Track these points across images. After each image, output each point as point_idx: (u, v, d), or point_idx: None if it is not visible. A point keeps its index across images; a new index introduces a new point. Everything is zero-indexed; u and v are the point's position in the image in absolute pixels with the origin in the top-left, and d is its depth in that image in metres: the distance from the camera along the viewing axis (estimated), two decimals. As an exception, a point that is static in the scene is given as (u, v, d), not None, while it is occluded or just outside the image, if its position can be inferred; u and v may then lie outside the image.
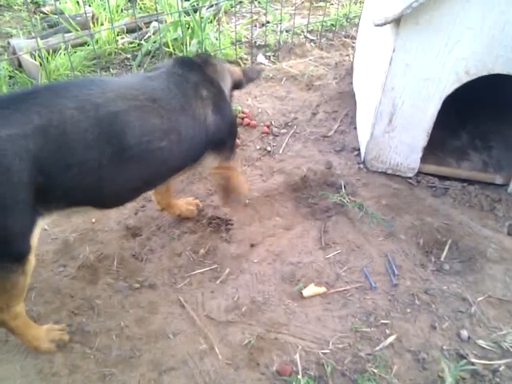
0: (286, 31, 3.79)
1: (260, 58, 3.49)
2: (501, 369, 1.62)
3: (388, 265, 1.99)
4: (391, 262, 1.99)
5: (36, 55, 3.06)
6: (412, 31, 2.01)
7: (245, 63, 3.41)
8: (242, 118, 2.83)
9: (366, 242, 2.09)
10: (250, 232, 2.13)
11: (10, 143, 1.25)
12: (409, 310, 1.82)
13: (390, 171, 2.45)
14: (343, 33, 3.87)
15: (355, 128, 2.77)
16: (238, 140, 2.66)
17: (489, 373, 1.61)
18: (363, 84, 2.76)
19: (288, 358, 1.66)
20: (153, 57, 3.38)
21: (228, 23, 3.85)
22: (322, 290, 1.88)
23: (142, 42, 3.44)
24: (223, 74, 1.91)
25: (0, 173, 1.24)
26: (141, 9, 4.04)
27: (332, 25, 3.91)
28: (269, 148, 2.65)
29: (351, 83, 3.17)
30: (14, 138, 1.26)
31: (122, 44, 3.48)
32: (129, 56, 3.43)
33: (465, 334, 1.73)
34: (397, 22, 1.99)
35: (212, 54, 3.27)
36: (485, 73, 2.07)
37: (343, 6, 4.14)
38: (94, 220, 2.16)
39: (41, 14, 3.93)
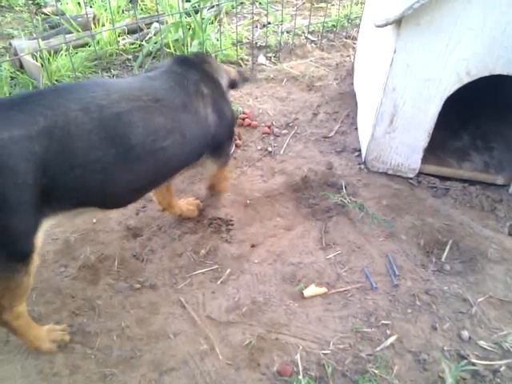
0: (287, 32, 3.79)
1: (261, 58, 3.50)
2: (501, 369, 1.62)
3: (389, 265, 1.99)
4: (392, 263, 1.99)
5: (37, 56, 3.06)
6: (413, 32, 2.01)
7: (246, 64, 3.41)
8: (243, 119, 2.83)
9: (366, 242, 2.09)
10: (251, 232, 2.14)
11: (16, 145, 1.25)
12: (409, 311, 1.82)
13: (390, 172, 2.45)
14: (344, 34, 3.87)
15: (356, 129, 2.77)
16: (239, 141, 2.67)
17: (489, 373, 1.61)
18: (364, 85, 2.76)
19: (289, 359, 1.66)
20: (154, 58, 3.39)
21: (229, 24, 3.86)
22: (323, 290, 1.88)
23: (143, 42, 3.45)
24: (220, 72, 1.94)
25: (5, 174, 1.25)
26: (142, 10, 4.05)
27: (333, 26, 3.92)
28: (270, 148, 2.65)
29: (352, 84, 3.17)
30: (20, 140, 1.26)
31: (123, 45, 3.49)
32: (130, 57, 3.44)
33: (465, 334, 1.72)
34: (398, 22, 1.99)
35: (213, 54, 3.28)
36: (486, 73, 2.07)
37: (344, 6, 4.14)
38: (94, 220, 2.17)
39: (42, 15, 3.94)
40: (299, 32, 3.83)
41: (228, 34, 3.60)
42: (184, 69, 1.75)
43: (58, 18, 3.65)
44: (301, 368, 1.62)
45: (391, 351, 1.68)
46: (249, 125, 2.81)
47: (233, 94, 3.04)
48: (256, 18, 4.01)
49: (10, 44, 3.21)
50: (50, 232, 2.09)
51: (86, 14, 3.21)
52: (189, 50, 3.26)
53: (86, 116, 1.39)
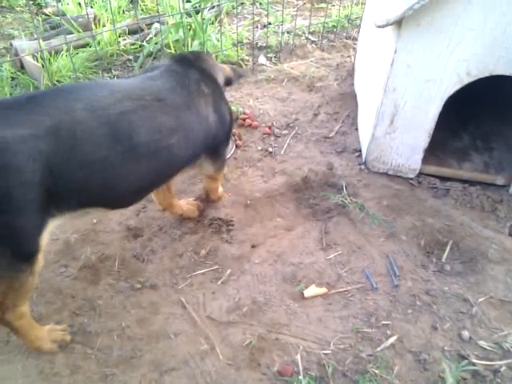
0: (288, 32, 3.79)
1: (261, 59, 3.50)
2: (502, 369, 1.62)
3: (389, 265, 1.99)
4: (392, 263, 1.99)
5: (38, 57, 3.07)
6: (413, 32, 2.01)
7: (246, 64, 3.42)
8: (244, 119, 2.83)
9: (367, 242, 2.09)
10: (251, 233, 2.14)
11: (22, 144, 1.26)
12: (410, 311, 1.82)
13: (391, 172, 2.46)
14: (344, 34, 3.88)
15: (356, 129, 2.78)
16: (240, 141, 2.67)
17: (490, 373, 1.61)
18: (365, 85, 2.76)
19: (289, 359, 1.66)
20: (154, 58, 3.39)
21: (229, 24, 3.86)
22: (323, 290, 1.88)
23: (144, 43, 3.46)
24: (217, 69, 1.95)
25: (11, 173, 1.25)
26: (142, 10, 4.05)
27: (333, 26, 3.92)
28: (270, 149, 2.65)
29: (352, 84, 3.17)
30: (26, 139, 1.27)
31: (124, 45, 3.49)
32: (131, 57, 3.44)
33: (466, 334, 1.72)
34: (398, 23, 1.99)
35: (214, 55, 3.28)
36: (486, 74, 2.08)
37: (345, 7, 4.15)
38: (95, 221, 2.17)
39: (43, 16, 3.94)
40: (300, 32, 3.84)
41: (228, 35, 3.61)
42: (184, 68, 1.77)
43: (58, 18, 3.66)
44: (301, 368, 1.63)
45: (392, 351, 1.68)
46: (249, 125, 2.81)
47: (233, 95, 3.05)
48: (256, 18, 4.01)
49: (11, 44, 3.21)
50: (51, 232, 2.09)
51: (87, 15, 3.21)
52: (189, 50, 3.27)
53: (91, 115, 1.40)
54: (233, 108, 2.56)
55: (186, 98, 1.68)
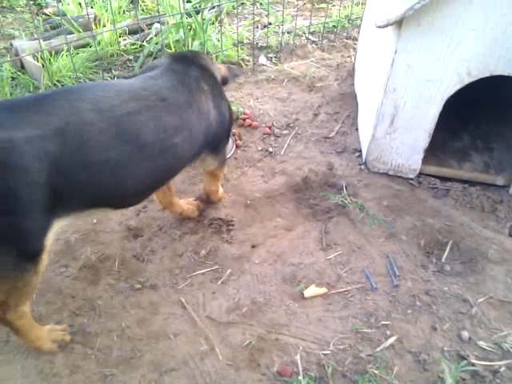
0: (288, 33, 3.79)
1: (262, 59, 3.50)
2: (501, 370, 1.62)
3: (389, 266, 1.99)
4: (392, 263, 1.99)
5: (38, 57, 3.07)
6: (414, 33, 2.01)
7: (247, 64, 3.42)
8: (244, 119, 2.83)
9: (367, 242, 2.09)
10: (251, 233, 2.14)
11: (29, 145, 1.26)
12: (410, 311, 1.82)
13: (391, 172, 2.45)
14: (345, 34, 3.88)
15: (357, 129, 2.78)
16: (240, 141, 2.67)
17: (489, 374, 1.61)
18: (365, 85, 2.76)
19: (289, 359, 1.66)
20: (155, 58, 3.39)
21: (230, 25, 3.86)
22: (323, 290, 1.88)
23: (144, 43, 3.46)
24: (214, 68, 1.97)
25: (18, 173, 1.25)
26: (143, 10, 4.05)
27: (334, 26, 3.92)
28: (270, 149, 2.65)
29: (353, 84, 3.17)
30: (33, 140, 1.27)
31: (124, 45, 3.49)
32: (131, 57, 3.44)
33: (465, 335, 1.72)
34: (399, 23, 1.99)
35: (214, 55, 3.28)
36: (487, 74, 2.07)
37: (345, 7, 4.14)
38: (95, 221, 2.17)
39: (43, 16, 3.94)
40: (300, 32, 3.84)
41: (229, 35, 3.60)
42: (183, 66, 1.78)
43: (59, 18, 3.66)
44: (301, 368, 1.63)
45: (391, 352, 1.68)
46: (249, 125, 2.81)
47: (234, 95, 3.05)
48: (257, 18, 4.01)
49: (11, 44, 3.21)
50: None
51: (87, 15, 3.21)
52: (187, 50, 3.27)
53: (98, 116, 1.41)
54: (233, 108, 2.55)
55: (187, 96, 1.70)
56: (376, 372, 1.61)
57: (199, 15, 3.34)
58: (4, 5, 4.22)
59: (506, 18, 1.92)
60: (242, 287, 1.90)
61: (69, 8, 3.79)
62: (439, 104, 2.18)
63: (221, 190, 2.25)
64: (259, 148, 2.67)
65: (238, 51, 3.41)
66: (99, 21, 3.61)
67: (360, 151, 2.60)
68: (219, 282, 1.92)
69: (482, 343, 1.71)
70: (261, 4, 4.26)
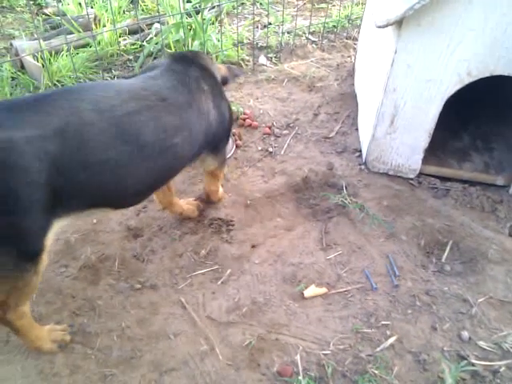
0: (288, 33, 3.79)
1: (262, 59, 3.50)
2: (501, 370, 1.62)
3: (389, 266, 1.99)
4: (392, 263, 1.99)
5: (38, 57, 3.07)
6: (414, 33, 2.01)
7: (247, 65, 3.42)
8: (244, 119, 2.83)
9: (367, 242, 2.09)
10: (251, 233, 2.14)
11: (29, 144, 1.26)
12: (410, 311, 1.82)
13: (391, 172, 2.45)
14: (345, 34, 3.88)
15: (357, 129, 2.78)
16: (240, 141, 2.67)
17: (489, 374, 1.61)
18: (365, 85, 2.76)
19: (289, 359, 1.66)
20: (155, 58, 3.39)
21: (230, 25, 3.86)
22: (323, 290, 1.88)
23: (144, 43, 3.46)
24: (214, 68, 1.97)
25: (18, 173, 1.25)
26: (143, 10, 4.05)
27: (334, 26, 3.92)
28: (270, 149, 2.65)
29: (353, 84, 3.17)
30: (33, 140, 1.27)
31: (124, 45, 3.49)
32: (131, 57, 3.44)
33: (465, 335, 1.72)
34: (399, 23, 1.99)
35: (214, 55, 3.28)
36: (487, 74, 2.07)
37: (345, 7, 4.14)
38: (95, 221, 2.17)
39: (43, 16, 3.94)
40: (300, 32, 3.83)
41: (229, 35, 3.60)
42: (183, 66, 1.78)
43: (59, 18, 3.66)
44: (301, 368, 1.63)
45: (391, 352, 1.68)
46: (249, 125, 2.81)
47: (234, 95, 3.05)
48: (257, 18, 4.01)
49: (11, 44, 3.21)
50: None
51: (87, 15, 3.21)
52: (187, 50, 3.26)
53: (98, 115, 1.41)
54: (233, 108, 2.56)
55: (187, 96, 1.70)
56: (376, 372, 1.61)
57: (199, 15, 3.34)
58: (4, 5, 4.22)
59: (505, 18, 1.92)
60: (242, 287, 1.90)
61: (69, 8, 3.79)
62: (439, 104, 2.18)
63: (221, 189, 2.25)
64: (259, 148, 2.67)
65: (237, 51, 3.41)
66: (99, 21, 3.61)
67: (360, 151, 2.60)
68: (219, 282, 1.92)
69: (482, 343, 1.71)
70: (261, 4, 4.26)
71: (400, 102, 2.22)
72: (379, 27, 1.98)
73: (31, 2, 4.13)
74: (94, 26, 3.48)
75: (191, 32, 3.35)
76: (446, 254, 2.04)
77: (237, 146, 2.64)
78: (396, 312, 1.81)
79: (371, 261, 2.01)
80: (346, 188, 2.35)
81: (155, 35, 3.44)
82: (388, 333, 1.74)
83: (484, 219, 2.21)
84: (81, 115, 1.38)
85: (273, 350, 1.68)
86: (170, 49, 3.34)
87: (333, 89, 3.17)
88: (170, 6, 3.60)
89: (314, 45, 3.72)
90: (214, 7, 3.77)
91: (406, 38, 2.03)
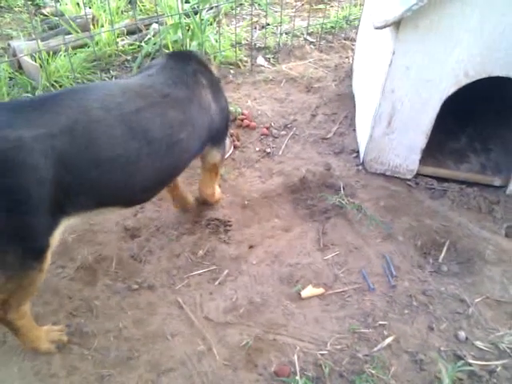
0: (286, 33, 3.79)
1: (260, 60, 3.50)
2: (498, 370, 1.63)
3: (386, 266, 1.99)
4: (389, 264, 1.99)
5: (36, 57, 3.07)
6: (412, 34, 2.01)
7: (244, 65, 3.42)
8: (242, 120, 2.83)
9: (364, 243, 2.09)
10: (249, 233, 2.14)
11: (37, 143, 1.28)
12: (406, 311, 1.82)
13: (388, 173, 2.46)
14: (343, 35, 3.88)
15: (354, 130, 2.78)
16: (238, 142, 2.67)
17: (486, 373, 1.62)
18: (363, 86, 2.76)
19: (286, 359, 1.66)
20: (153, 59, 3.38)
21: (228, 25, 3.86)
22: (320, 291, 1.88)
23: (142, 43, 3.45)
24: (210, 64, 2.01)
25: (27, 171, 1.27)
26: (141, 11, 4.04)
27: (332, 27, 3.92)
28: (268, 150, 2.66)
29: (350, 85, 3.17)
30: (41, 138, 1.29)
31: (122, 46, 3.49)
32: (129, 58, 3.44)
33: (462, 335, 1.73)
34: (396, 24, 1.99)
35: (212, 55, 3.29)
36: (484, 75, 2.08)
37: (343, 8, 4.15)
38: (92, 221, 2.17)
39: (41, 16, 3.93)
40: (298, 33, 3.84)
41: (227, 36, 3.60)
42: (180, 63, 1.81)
43: (57, 18, 3.65)
44: (298, 368, 1.63)
45: (388, 352, 1.69)
46: (247, 126, 2.81)
47: (231, 95, 3.05)
48: (255, 19, 4.01)
49: (9, 45, 3.21)
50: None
51: (85, 15, 3.21)
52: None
53: (106, 113, 1.43)
54: (231, 108, 2.56)
55: (187, 91, 1.72)
56: (373, 372, 1.62)
57: (197, 16, 3.34)
58: (2, 5, 4.21)
59: (503, 20, 1.93)
60: (239, 287, 1.90)
61: (67, 8, 3.78)
62: (437, 105, 2.19)
63: (218, 190, 2.25)
64: (257, 149, 2.67)
65: (235, 52, 3.42)
66: (97, 21, 3.60)
67: (357, 152, 2.61)
68: (216, 283, 1.92)
69: (478, 343, 1.71)
70: (259, 5, 4.27)
71: (397, 102, 2.22)
72: (377, 28, 1.99)
73: (29, 3, 4.12)
74: (92, 27, 3.48)
75: (189, 32, 3.35)
76: (442, 254, 2.04)
77: (235, 147, 2.65)
78: (393, 312, 1.82)
79: (368, 261, 2.01)
80: (343, 188, 2.36)
81: (153, 36, 3.43)
82: (385, 333, 1.74)
83: (481, 220, 2.21)
84: (89, 113, 1.40)
85: (270, 351, 1.68)
86: (168, 49, 3.34)
87: (331, 90, 3.17)
88: (168, 6, 3.60)
89: (311, 46, 3.72)
90: (212, 8, 3.76)
91: (404, 39, 2.04)
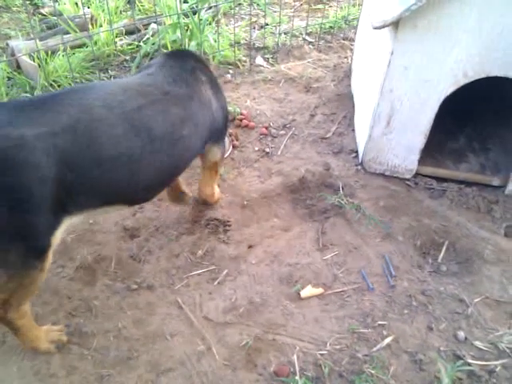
0: (285, 33, 3.80)
1: (259, 60, 3.50)
2: (497, 369, 1.63)
3: (385, 266, 1.99)
4: (388, 263, 2.00)
5: (35, 56, 3.06)
6: (410, 34, 2.02)
7: (243, 65, 3.42)
8: (241, 120, 2.83)
9: (363, 243, 2.10)
10: (248, 233, 2.14)
11: (39, 141, 1.28)
12: (406, 311, 1.82)
13: (387, 173, 2.46)
14: (341, 35, 3.88)
15: (353, 130, 2.78)
16: (236, 142, 2.67)
17: (485, 373, 1.62)
18: (361, 86, 2.77)
19: (285, 359, 1.66)
20: (151, 59, 3.37)
21: (227, 25, 3.86)
22: (320, 291, 1.88)
23: (141, 43, 3.45)
24: (207, 61, 2.00)
25: (29, 170, 1.27)
26: (140, 11, 4.04)
27: (330, 27, 3.92)
28: (267, 149, 2.66)
29: (349, 85, 3.18)
30: (43, 136, 1.29)
31: (121, 46, 3.49)
32: (127, 58, 3.43)
33: (461, 334, 1.73)
34: (395, 24, 1.99)
35: (211, 55, 3.28)
36: (483, 75, 2.08)
37: (342, 8, 4.15)
38: (91, 221, 2.17)
39: (39, 16, 3.93)
40: (297, 33, 3.84)
41: (226, 35, 3.60)
42: (179, 61, 1.81)
43: (55, 18, 3.64)
44: (297, 368, 1.63)
45: (387, 352, 1.69)
46: (246, 126, 2.81)
47: (230, 95, 3.04)
48: (254, 19, 4.01)
49: (8, 44, 3.20)
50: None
51: (84, 15, 3.20)
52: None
53: (108, 112, 1.43)
54: (230, 108, 2.56)
55: (187, 88, 1.73)
56: (372, 372, 1.62)
57: (196, 16, 3.34)
58: (0, 5, 4.21)
59: (501, 20, 1.93)
60: (238, 287, 1.90)
61: (65, 8, 3.77)
62: (435, 105, 2.19)
63: (217, 190, 2.25)
64: (256, 148, 2.67)
65: (234, 52, 3.41)
66: (96, 21, 3.60)
67: (356, 152, 2.61)
68: (216, 283, 1.92)
69: (478, 343, 1.71)
70: (258, 5, 4.26)
71: (396, 102, 2.23)
72: (376, 28, 1.99)
73: (27, 2, 4.11)
74: (90, 26, 3.47)
75: (188, 32, 3.35)
76: (442, 254, 2.05)
77: (233, 147, 2.64)
78: (392, 312, 1.82)
79: (367, 261, 2.02)
80: (342, 188, 2.36)
81: (152, 35, 3.43)
82: (384, 333, 1.75)
83: (480, 219, 2.22)
84: (91, 112, 1.40)
85: (269, 350, 1.68)
86: (167, 49, 3.33)
87: (329, 89, 3.18)
88: (166, 6, 3.59)
89: (310, 45, 3.73)
90: (210, 8, 3.76)
91: (403, 39, 2.04)
